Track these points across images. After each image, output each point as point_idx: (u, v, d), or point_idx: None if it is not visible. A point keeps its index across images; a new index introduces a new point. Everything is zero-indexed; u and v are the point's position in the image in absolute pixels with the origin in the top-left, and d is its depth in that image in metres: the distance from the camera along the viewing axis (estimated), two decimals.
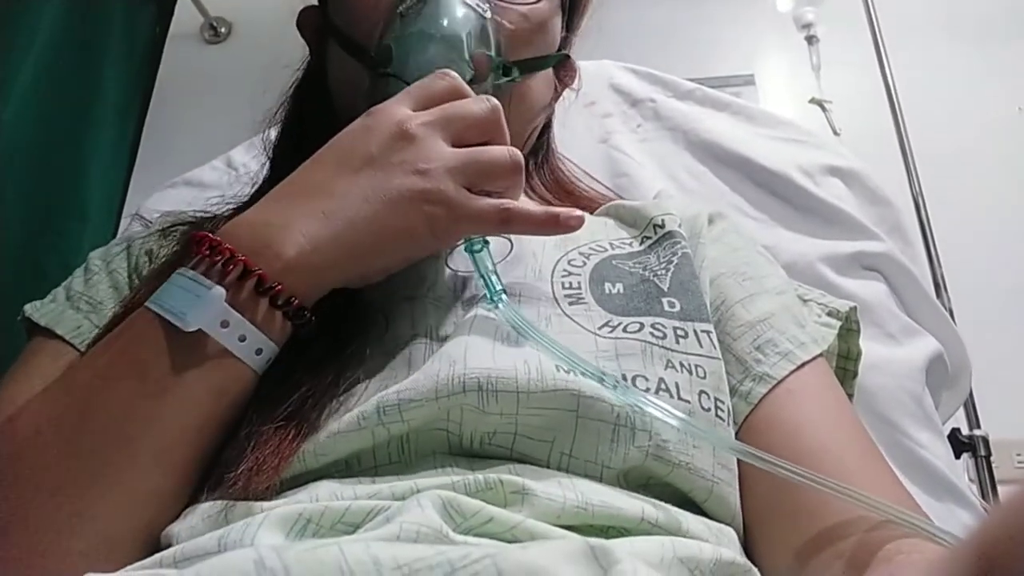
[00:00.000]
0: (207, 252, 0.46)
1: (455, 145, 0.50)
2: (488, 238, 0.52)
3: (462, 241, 0.52)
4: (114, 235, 1.34)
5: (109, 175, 1.43)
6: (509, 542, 0.38)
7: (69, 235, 1.28)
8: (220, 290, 0.45)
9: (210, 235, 0.47)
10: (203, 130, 1.54)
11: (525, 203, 0.70)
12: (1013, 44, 1.72)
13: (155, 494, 0.44)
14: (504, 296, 0.51)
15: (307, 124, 0.71)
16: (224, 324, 0.45)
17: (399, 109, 0.50)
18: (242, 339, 0.46)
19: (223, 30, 1.94)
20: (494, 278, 0.52)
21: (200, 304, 0.45)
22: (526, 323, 0.49)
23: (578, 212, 0.53)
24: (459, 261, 0.52)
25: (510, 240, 0.55)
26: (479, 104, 0.52)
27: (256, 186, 0.72)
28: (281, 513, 0.39)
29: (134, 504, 0.43)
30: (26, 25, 1.18)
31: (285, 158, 0.70)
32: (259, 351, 0.47)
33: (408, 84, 0.56)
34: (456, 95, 0.52)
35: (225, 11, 1.94)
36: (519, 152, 0.52)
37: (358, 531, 0.38)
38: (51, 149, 1.25)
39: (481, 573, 0.31)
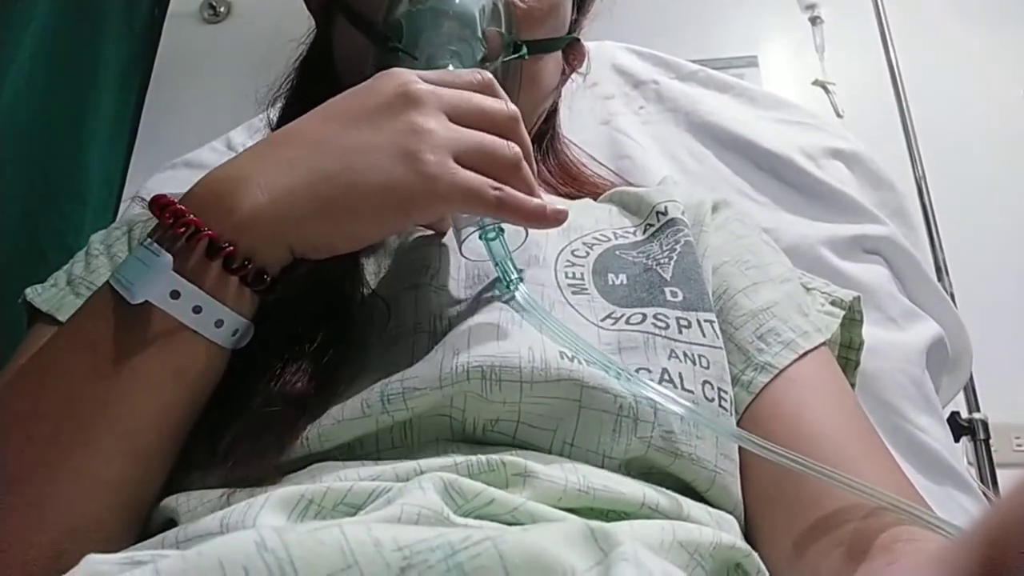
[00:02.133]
0: (167, 218, 0.43)
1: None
2: (503, 225, 0.50)
3: (475, 229, 0.50)
4: (114, 215, 1.34)
5: (108, 155, 1.42)
6: (510, 524, 0.38)
7: (69, 215, 1.28)
8: (167, 257, 0.41)
9: (168, 196, 0.44)
10: (203, 110, 1.53)
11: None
12: (1019, 26, 1.71)
13: (122, 482, 0.42)
14: (522, 284, 0.50)
15: (311, 99, 0.70)
16: (174, 295, 0.42)
17: (409, 74, 0.47)
18: (197, 310, 0.42)
19: (222, 9, 1.92)
20: (510, 265, 0.50)
21: (148, 274, 0.41)
22: (543, 310, 0.48)
23: (563, 209, 0.49)
24: (471, 250, 0.51)
25: (525, 229, 0.53)
26: (500, 103, 0.48)
27: None
28: (283, 494, 0.39)
29: (99, 492, 0.41)
30: (24, 4, 1.17)
31: None
32: (219, 323, 0.43)
33: (417, 60, 0.55)
34: (486, 91, 0.49)
35: None
36: (524, 149, 0.48)
37: (360, 512, 0.38)
38: (50, 129, 1.24)
39: (482, 555, 0.31)
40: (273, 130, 0.72)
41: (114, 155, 1.45)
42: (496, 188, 0.45)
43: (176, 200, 0.43)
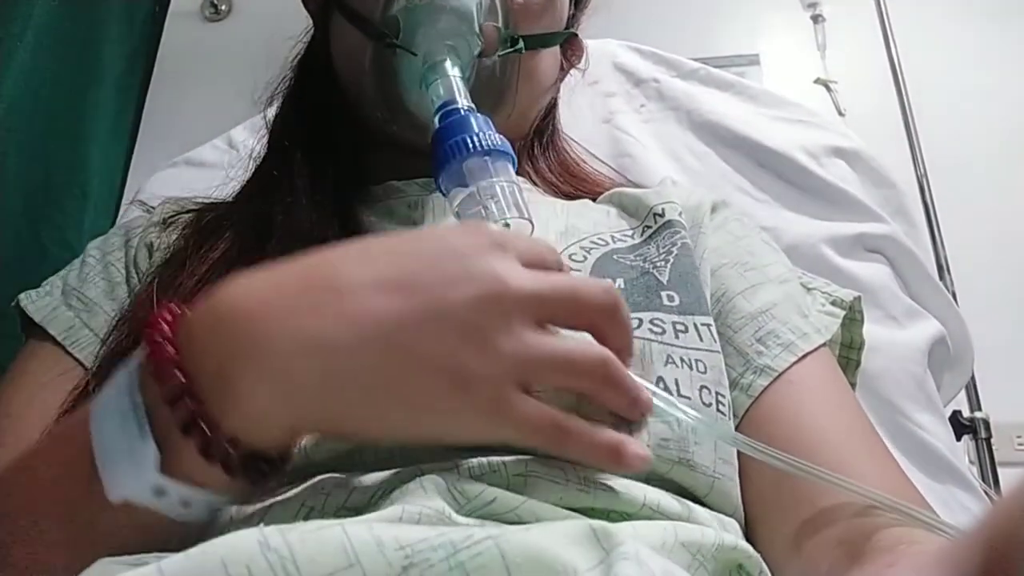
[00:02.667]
0: (156, 365, 0.36)
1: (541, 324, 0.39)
2: (508, 220, 0.50)
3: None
4: (115, 212, 1.34)
5: (110, 152, 1.42)
6: (512, 524, 0.38)
7: (70, 211, 1.28)
8: (153, 452, 0.35)
9: (167, 330, 0.36)
10: (204, 108, 1.53)
11: (532, 193, 0.69)
12: (1021, 23, 1.71)
13: (121, 545, 0.38)
14: None
15: (308, 97, 0.70)
16: (160, 492, 0.35)
17: (508, 266, 0.38)
18: (186, 505, 0.36)
19: (223, 7, 1.92)
20: None
21: (128, 466, 0.35)
22: None
23: (644, 454, 0.40)
24: None
25: (531, 222, 0.51)
26: (598, 290, 0.41)
27: (257, 161, 0.72)
28: (283, 503, 0.39)
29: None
30: (25, 1, 1.17)
31: (283, 129, 0.70)
32: (207, 504, 0.37)
33: (416, 56, 0.55)
34: (611, 313, 0.41)
35: None
36: (623, 338, 0.42)
37: (361, 514, 0.38)
38: (51, 125, 1.24)
39: (483, 554, 0.31)
40: (270, 131, 0.72)
41: (115, 151, 1.45)
42: (559, 425, 0.38)
43: (180, 350, 0.36)
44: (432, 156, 0.54)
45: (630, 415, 0.43)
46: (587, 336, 0.42)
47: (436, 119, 0.55)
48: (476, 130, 0.53)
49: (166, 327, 0.37)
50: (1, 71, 1.11)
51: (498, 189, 0.51)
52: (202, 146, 1.20)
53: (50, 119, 1.23)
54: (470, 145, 0.52)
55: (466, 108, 0.55)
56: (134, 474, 0.35)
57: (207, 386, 0.35)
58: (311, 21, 0.73)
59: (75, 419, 0.40)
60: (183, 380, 0.35)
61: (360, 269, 0.37)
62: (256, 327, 0.36)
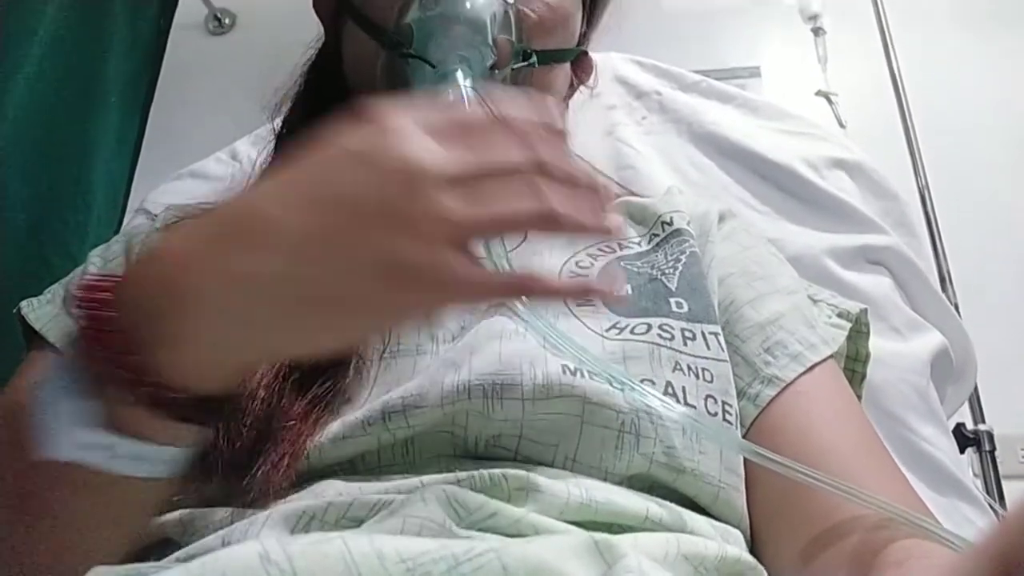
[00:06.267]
0: (91, 324, 0.36)
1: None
2: None
3: None
4: (119, 225, 1.35)
5: (114, 164, 1.43)
6: (513, 536, 0.38)
7: (73, 223, 1.28)
8: (96, 409, 0.35)
9: (99, 287, 0.37)
10: (208, 121, 1.53)
11: None
12: (1021, 35, 1.71)
13: (111, 552, 0.39)
14: None
15: (317, 102, 0.70)
16: (109, 449, 0.35)
17: (411, 146, 0.36)
18: (138, 460, 0.36)
19: (227, 21, 1.93)
20: (506, 265, 0.49)
21: (73, 425, 0.35)
22: (541, 315, 0.48)
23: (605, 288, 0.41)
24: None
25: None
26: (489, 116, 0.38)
27: (263, 167, 0.72)
28: (284, 511, 0.39)
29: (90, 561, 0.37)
30: (31, 14, 1.18)
31: (292, 134, 0.70)
32: (160, 458, 0.37)
33: (428, 65, 0.55)
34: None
35: (229, 2, 1.94)
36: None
37: (362, 525, 0.38)
38: (55, 137, 1.25)
39: (485, 567, 0.31)
40: (278, 137, 0.72)
41: (119, 163, 1.46)
42: (517, 278, 0.38)
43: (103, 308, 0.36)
44: None
45: (587, 202, 0.37)
46: None
47: None
48: None
49: (104, 292, 0.37)
50: (7, 85, 1.12)
51: None
52: (206, 159, 1.20)
53: (55, 132, 1.24)
54: None
55: None
56: (78, 433, 0.35)
57: (147, 338, 0.35)
58: (319, 30, 0.73)
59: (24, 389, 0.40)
60: (121, 336, 0.35)
61: (275, 199, 0.37)
62: (186, 274, 0.36)
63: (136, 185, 1.47)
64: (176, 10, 1.68)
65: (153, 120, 1.59)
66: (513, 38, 0.60)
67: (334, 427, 0.45)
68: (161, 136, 1.57)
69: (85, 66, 1.32)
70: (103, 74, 1.38)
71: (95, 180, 1.35)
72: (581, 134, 0.97)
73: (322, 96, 0.70)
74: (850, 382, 0.61)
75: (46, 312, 0.60)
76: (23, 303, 0.61)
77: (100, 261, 0.64)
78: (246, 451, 0.43)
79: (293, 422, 0.45)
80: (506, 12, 0.59)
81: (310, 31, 0.74)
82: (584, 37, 0.72)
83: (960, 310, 1.19)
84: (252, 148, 1.14)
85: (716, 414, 0.49)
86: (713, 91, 1.14)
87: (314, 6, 0.72)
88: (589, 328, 0.52)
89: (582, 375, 0.46)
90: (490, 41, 0.57)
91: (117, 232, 1.27)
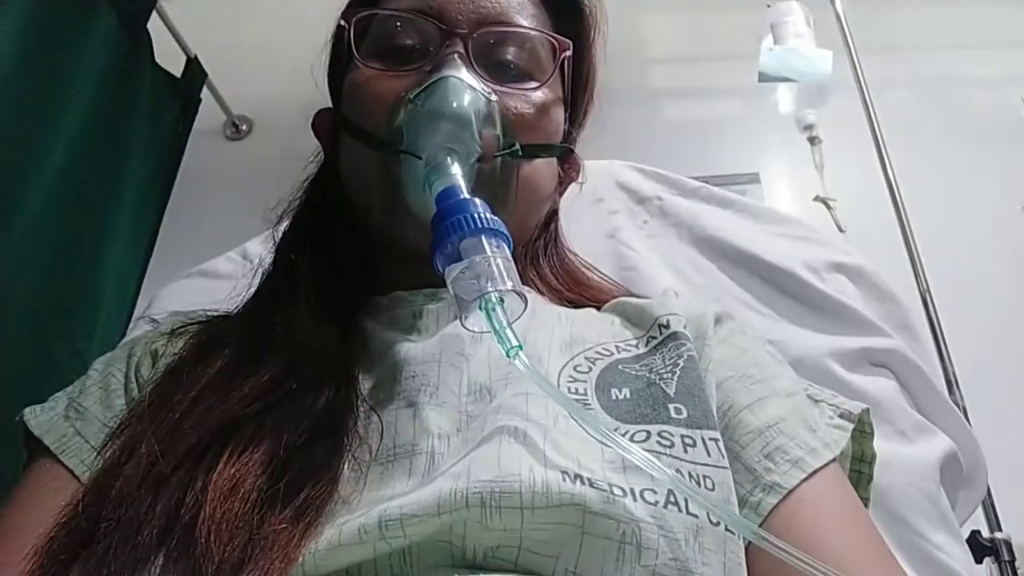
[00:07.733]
0: None
1: None
2: (503, 296, 0.50)
3: (476, 297, 0.50)
4: (127, 323, 1.36)
5: (125, 263, 1.45)
6: None
7: (81, 322, 1.29)
8: None
9: None
10: (222, 222, 1.57)
11: (537, 301, 0.70)
12: (1012, 143, 1.76)
13: None
14: (520, 352, 0.49)
15: (316, 212, 0.73)
16: None
17: None
18: None
19: (244, 128, 2.01)
20: (509, 333, 0.49)
21: None
22: (542, 377, 0.49)
23: None
24: (474, 321, 0.50)
25: (524, 299, 0.52)
26: None
27: (265, 273, 0.74)
28: None
29: None
30: (55, 115, 1.23)
31: (290, 243, 0.72)
32: None
33: (419, 159, 0.57)
34: None
35: (247, 109, 2.02)
36: None
37: None
38: (70, 237, 1.27)
39: None
40: (277, 246, 0.74)
41: (131, 263, 1.48)
42: None
43: None
44: (431, 238, 0.54)
45: None
46: None
47: (435, 203, 0.56)
48: (472, 211, 0.54)
49: None
50: (26, 186, 1.16)
51: (492, 264, 0.51)
52: (217, 258, 1.22)
53: (69, 234, 1.27)
54: (466, 224, 0.53)
55: (465, 195, 0.56)
56: None
57: None
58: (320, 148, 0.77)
59: None
60: None
61: None
62: None
63: (147, 282, 1.49)
64: (196, 115, 1.75)
65: (168, 219, 1.63)
66: (498, 132, 0.63)
67: (328, 533, 0.44)
68: (175, 235, 1.61)
69: (104, 168, 1.36)
70: (121, 177, 1.43)
71: (107, 280, 1.37)
72: (584, 237, 0.99)
73: (321, 205, 0.73)
74: (856, 484, 0.60)
75: (48, 418, 0.60)
76: (26, 411, 0.61)
77: (101, 367, 0.64)
78: (231, 564, 0.42)
79: (284, 526, 0.44)
80: (489, 109, 0.63)
81: None
82: (569, 135, 0.76)
83: (968, 414, 1.18)
84: (264, 248, 1.16)
85: (718, 524, 0.48)
86: (713, 196, 1.16)
87: (313, 127, 0.77)
88: (589, 434, 0.51)
89: (582, 482, 0.46)
90: (476, 135, 0.60)
91: (125, 329, 1.28)
